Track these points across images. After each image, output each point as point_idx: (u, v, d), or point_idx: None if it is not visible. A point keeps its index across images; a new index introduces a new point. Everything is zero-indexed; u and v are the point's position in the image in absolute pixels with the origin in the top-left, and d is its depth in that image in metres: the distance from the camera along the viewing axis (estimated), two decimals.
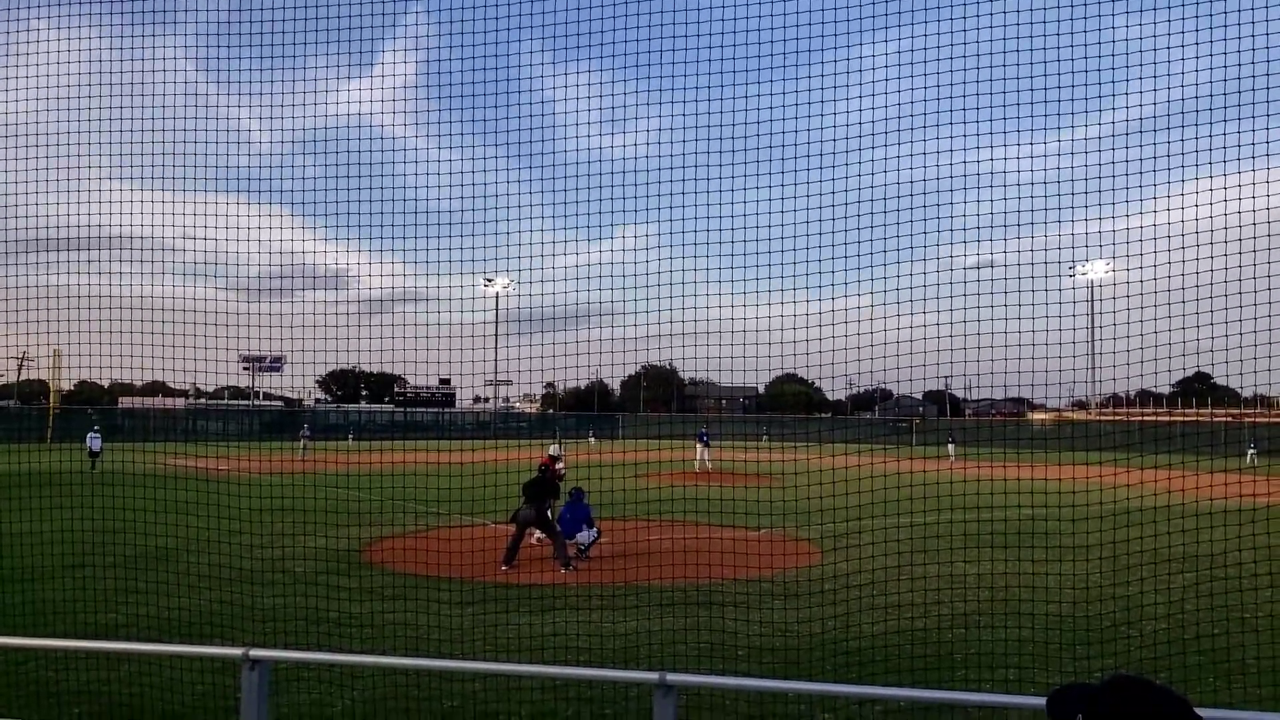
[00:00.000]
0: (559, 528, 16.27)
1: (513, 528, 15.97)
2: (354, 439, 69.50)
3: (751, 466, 33.62)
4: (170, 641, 9.70)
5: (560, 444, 24.98)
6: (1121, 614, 11.00)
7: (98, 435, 36.49)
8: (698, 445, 43.02)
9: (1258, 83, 8.42)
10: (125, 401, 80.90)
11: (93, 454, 34.16)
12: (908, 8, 9.62)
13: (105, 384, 78.75)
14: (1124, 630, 10.45)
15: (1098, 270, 61.70)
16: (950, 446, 52.93)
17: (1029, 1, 9.17)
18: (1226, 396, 65.76)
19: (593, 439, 69.53)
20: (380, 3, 10.45)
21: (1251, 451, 43.91)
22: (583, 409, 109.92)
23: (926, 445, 59.51)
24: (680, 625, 10.74)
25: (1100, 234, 9.83)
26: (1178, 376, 9.85)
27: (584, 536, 16.26)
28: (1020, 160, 9.70)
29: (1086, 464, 33.42)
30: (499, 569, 14.83)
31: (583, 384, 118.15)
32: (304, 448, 47.24)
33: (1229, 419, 58.39)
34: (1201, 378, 57.77)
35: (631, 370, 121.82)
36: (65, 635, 9.85)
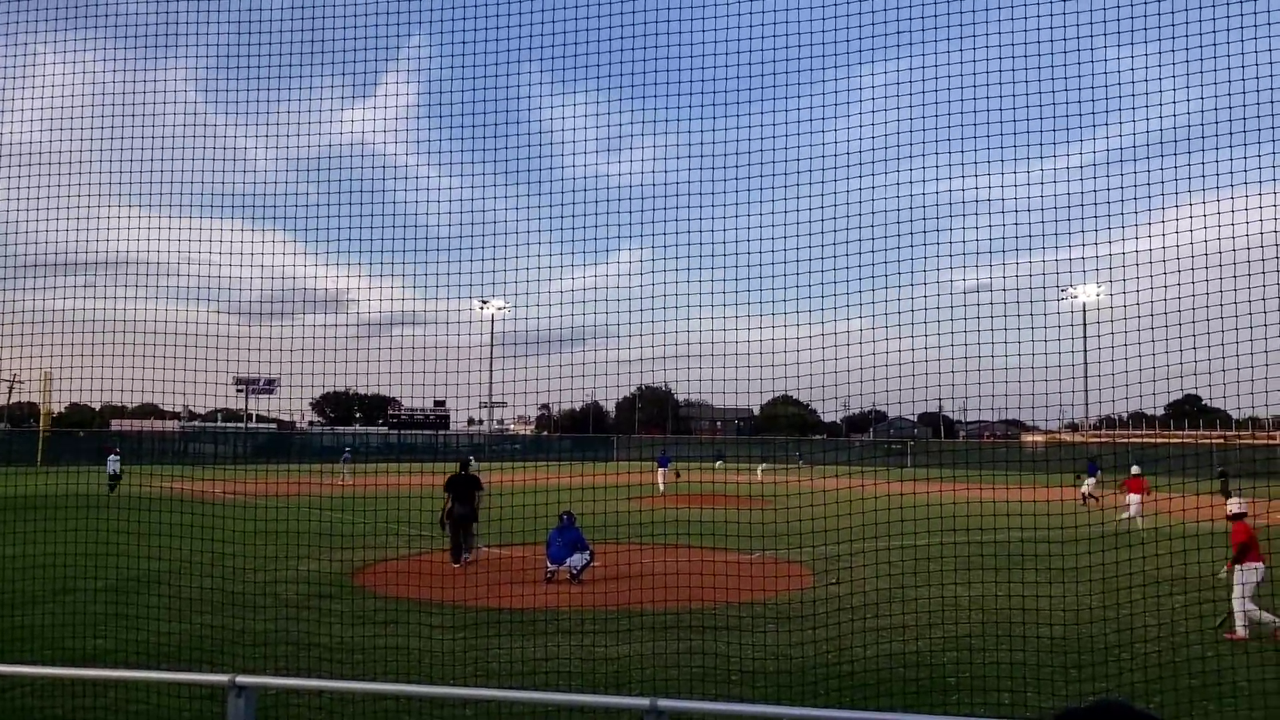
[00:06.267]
0: (550, 549, 16.27)
1: (448, 529, 17.67)
2: (399, 461, 68.16)
3: (744, 489, 33.56)
4: (157, 668, 9.60)
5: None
6: (1115, 636, 10.98)
7: (117, 458, 34.86)
8: (659, 470, 40.38)
9: (1248, 110, 8.57)
10: (117, 424, 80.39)
11: (113, 477, 32.85)
12: (903, 40, 9.77)
13: (97, 406, 78.46)
14: (1117, 653, 10.43)
15: (1089, 294, 62.15)
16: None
17: (1019, 36, 9.31)
18: (1218, 419, 66.11)
19: (719, 463, 66.23)
20: (382, 29, 10.55)
21: (1090, 480, 33.09)
22: (578, 431, 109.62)
23: (917, 468, 59.56)
24: (673, 649, 10.69)
25: (1093, 259, 9.93)
26: (1169, 399, 9.96)
27: (575, 560, 16.16)
28: (1012, 187, 9.81)
29: (1074, 486, 33.43)
30: (452, 568, 16.07)
31: (578, 406, 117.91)
32: (347, 470, 46.22)
33: (1221, 441, 58.46)
34: (1192, 400, 58.07)
35: (627, 392, 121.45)
36: (50, 662, 9.74)
